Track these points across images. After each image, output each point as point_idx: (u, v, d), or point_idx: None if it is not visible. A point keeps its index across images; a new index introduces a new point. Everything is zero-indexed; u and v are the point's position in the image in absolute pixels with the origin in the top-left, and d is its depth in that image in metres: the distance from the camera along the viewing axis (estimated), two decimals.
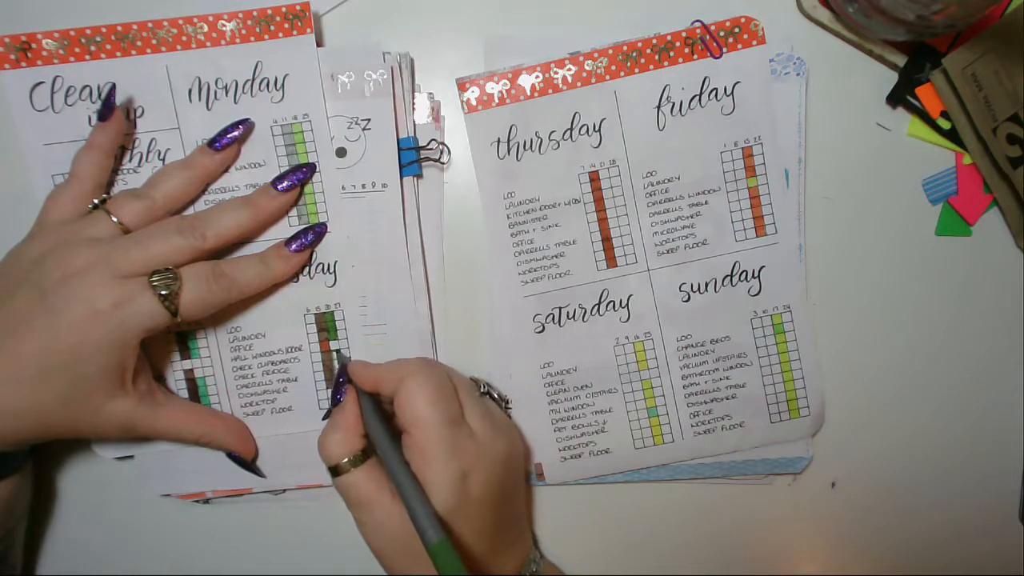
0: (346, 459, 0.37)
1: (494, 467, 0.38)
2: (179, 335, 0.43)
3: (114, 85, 0.40)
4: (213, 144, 0.41)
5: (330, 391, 0.42)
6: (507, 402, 0.44)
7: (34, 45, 0.41)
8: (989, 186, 0.45)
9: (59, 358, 0.35)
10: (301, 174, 0.41)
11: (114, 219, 0.38)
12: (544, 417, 0.45)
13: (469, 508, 0.36)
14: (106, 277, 0.36)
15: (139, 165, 0.42)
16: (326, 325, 0.43)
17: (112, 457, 0.44)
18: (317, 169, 0.42)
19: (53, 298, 0.35)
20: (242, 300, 0.41)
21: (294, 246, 0.41)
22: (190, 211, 0.42)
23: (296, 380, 0.43)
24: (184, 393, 0.43)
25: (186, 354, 0.43)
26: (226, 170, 0.42)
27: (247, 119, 0.41)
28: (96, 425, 0.37)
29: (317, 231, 0.42)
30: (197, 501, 0.45)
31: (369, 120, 0.42)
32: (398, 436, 0.38)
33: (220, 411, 0.43)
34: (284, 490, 0.45)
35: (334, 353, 0.43)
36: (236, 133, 0.41)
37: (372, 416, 0.38)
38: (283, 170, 0.42)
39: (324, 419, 0.43)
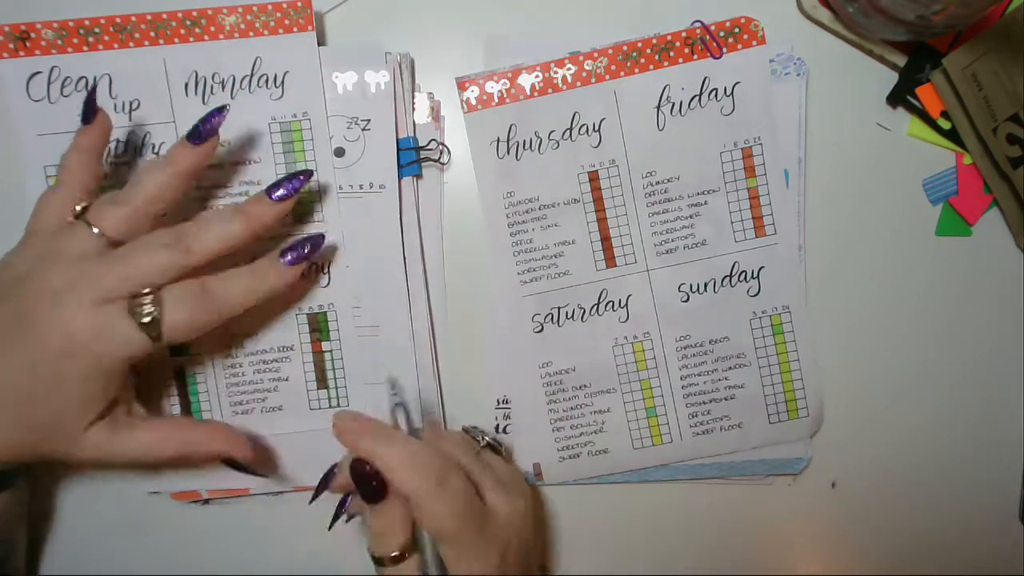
0: (397, 551, 0.35)
1: (521, 532, 0.38)
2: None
3: (95, 86, 0.38)
4: (191, 138, 0.36)
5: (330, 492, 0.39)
6: (500, 445, 0.42)
7: (33, 35, 0.41)
8: (989, 186, 0.45)
9: (37, 388, 0.34)
10: (298, 182, 0.37)
11: (95, 230, 0.35)
12: (543, 417, 0.45)
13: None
14: (84, 303, 0.33)
15: (133, 158, 0.42)
16: (318, 326, 0.43)
17: None
18: (315, 168, 0.42)
19: (31, 324, 0.33)
20: None
21: (290, 257, 0.38)
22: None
23: (287, 380, 0.43)
24: (173, 389, 0.43)
25: (176, 350, 0.43)
26: (218, 166, 0.41)
27: (224, 106, 0.37)
28: (71, 453, 0.36)
29: (315, 242, 0.39)
30: (196, 502, 0.45)
31: (369, 121, 0.42)
32: None
33: (200, 420, 0.42)
34: (282, 491, 0.45)
35: (346, 462, 0.38)
36: (213, 123, 0.37)
37: None
38: (279, 176, 0.40)
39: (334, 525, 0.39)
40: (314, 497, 0.38)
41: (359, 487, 0.35)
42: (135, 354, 0.35)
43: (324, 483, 0.38)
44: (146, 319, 0.34)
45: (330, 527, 0.38)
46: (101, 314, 0.34)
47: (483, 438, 0.41)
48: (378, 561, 0.36)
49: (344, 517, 0.39)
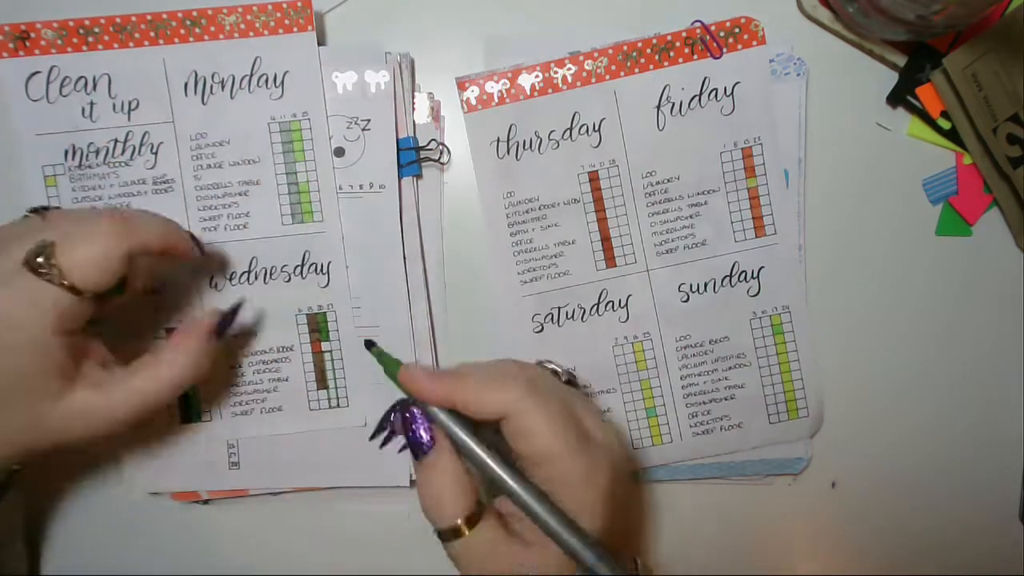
0: (462, 518, 0.31)
1: (624, 463, 0.35)
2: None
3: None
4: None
5: (386, 420, 0.35)
6: (577, 379, 0.39)
7: (33, 34, 0.41)
8: (989, 186, 0.45)
9: None
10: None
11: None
12: None
13: (616, 516, 0.33)
14: None
15: (131, 158, 0.42)
16: (318, 326, 0.43)
17: None
18: (314, 168, 0.42)
19: None
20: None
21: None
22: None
23: (287, 380, 0.43)
24: None
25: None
26: (217, 166, 0.42)
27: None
28: (64, 431, 0.33)
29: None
30: (196, 502, 0.45)
31: (369, 121, 0.42)
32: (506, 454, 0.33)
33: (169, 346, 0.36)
34: (281, 491, 0.45)
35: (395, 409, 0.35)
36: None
37: (475, 447, 0.32)
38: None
39: (373, 439, 0.36)
40: (374, 436, 0.35)
41: (406, 435, 0.33)
42: (56, 312, 0.32)
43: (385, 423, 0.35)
44: (43, 269, 0.31)
45: (371, 438, 0.35)
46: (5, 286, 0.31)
47: (565, 373, 0.37)
48: (442, 535, 0.31)
49: (385, 435, 0.35)
